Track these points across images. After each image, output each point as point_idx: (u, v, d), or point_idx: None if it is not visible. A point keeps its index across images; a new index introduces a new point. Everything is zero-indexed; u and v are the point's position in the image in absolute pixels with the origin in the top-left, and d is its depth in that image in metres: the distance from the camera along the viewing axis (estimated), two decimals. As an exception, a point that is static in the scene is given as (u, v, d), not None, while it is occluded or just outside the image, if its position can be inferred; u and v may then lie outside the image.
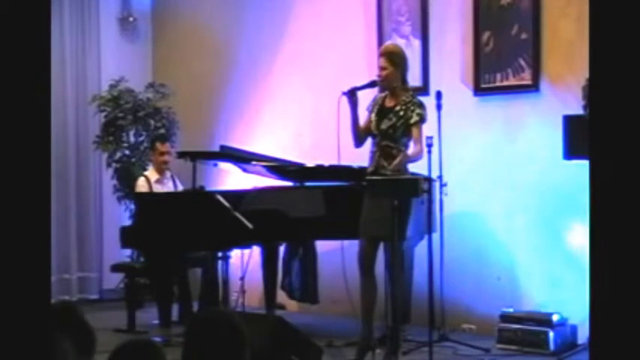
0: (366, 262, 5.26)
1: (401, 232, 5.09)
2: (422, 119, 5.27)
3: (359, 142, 5.43)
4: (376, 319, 5.49)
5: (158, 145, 6.80)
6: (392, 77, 5.30)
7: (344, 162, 5.55)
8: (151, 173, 6.79)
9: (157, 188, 6.67)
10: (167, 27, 8.67)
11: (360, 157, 5.50)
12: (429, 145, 5.62)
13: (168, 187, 6.77)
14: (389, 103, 5.32)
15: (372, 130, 5.31)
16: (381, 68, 5.32)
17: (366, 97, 5.45)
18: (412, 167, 5.73)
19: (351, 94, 5.33)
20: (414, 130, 5.24)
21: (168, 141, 6.95)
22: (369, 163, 5.32)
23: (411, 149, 5.23)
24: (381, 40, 6.87)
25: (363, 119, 5.40)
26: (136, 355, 2.52)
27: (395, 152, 5.21)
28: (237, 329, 2.54)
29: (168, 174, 6.83)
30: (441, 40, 6.58)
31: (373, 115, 5.34)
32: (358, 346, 5.31)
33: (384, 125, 5.26)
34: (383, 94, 5.38)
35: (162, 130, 7.81)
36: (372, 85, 5.40)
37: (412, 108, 5.25)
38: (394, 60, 5.32)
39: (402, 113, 5.24)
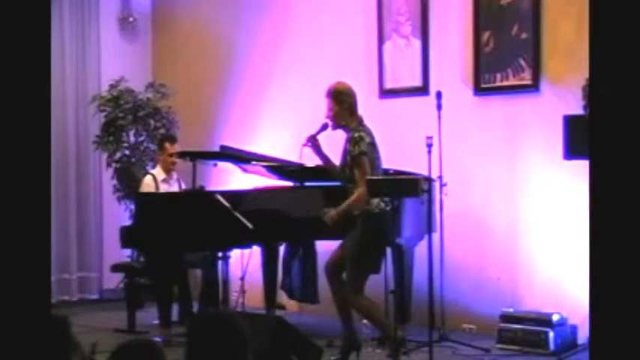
0: (329, 270, 5.39)
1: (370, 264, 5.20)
2: (357, 155, 5.16)
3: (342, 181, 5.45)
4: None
5: (167, 145, 6.78)
6: (339, 116, 5.29)
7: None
8: (158, 172, 6.78)
9: (164, 187, 6.67)
10: (167, 27, 8.67)
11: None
12: (429, 145, 5.62)
13: (174, 187, 6.76)
14: (347, 146, 5.29)
15: None
16: (328, 109, 5.32)
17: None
18: (412, 167, 5.75)
19: (312, 142, 5.35)
20: (355, 170, 5.17)
21: (177, 142, 6.91)
22: None
23: (354, 196, 5.15)
24: (381, 40, 6.88)
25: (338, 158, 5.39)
26: (136, 355, 2.52)
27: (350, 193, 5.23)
28: (238, 331, 2.55)
29: (175, 175, 6.81)
30: (441, 40, 6.58)
31: None
32: (342, 346, 5.37)
33: (341, 167, 5.30)
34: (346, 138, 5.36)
35: (162, 130, 7.81)
36: (324, 127, 5.38)
37: (350, 146, 5.21)
38: (338, 98, 5.29)
39: (348, 151, 5.24)
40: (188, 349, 2.55)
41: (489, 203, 6.31)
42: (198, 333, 2.55)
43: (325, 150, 5.39)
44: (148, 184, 6.66)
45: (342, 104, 5.29)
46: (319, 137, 5.37)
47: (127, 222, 7.24)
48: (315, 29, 7.36)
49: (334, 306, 5.43)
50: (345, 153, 5.27)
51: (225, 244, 5.97)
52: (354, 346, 5.34)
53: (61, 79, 7.98)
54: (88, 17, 8.28)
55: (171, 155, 6.72)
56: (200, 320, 2.68)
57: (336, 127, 5.35)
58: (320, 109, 5.43)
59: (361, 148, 5.16)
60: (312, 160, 5.49)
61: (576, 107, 5.43)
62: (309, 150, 5.38)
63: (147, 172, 7.02)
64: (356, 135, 5.20)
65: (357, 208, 5.15)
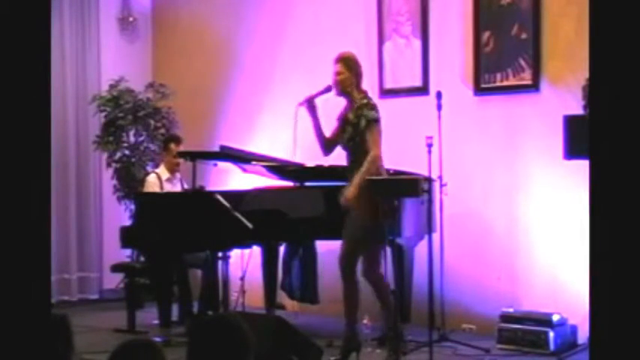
0: (345, 262, 5.29)
1: (380, 236, 5.13)
2: (371, 121, 5.19)
3: (326, 150, 5.45)
4: (376, 319, 5.50)
5: (173, 146, 6.75)
6: (346, 82, 5.29)
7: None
8: (162, 171, 6.77)
9: (167, 187, 6.67)
10: (167, 27, 8.67)
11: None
12: (429, 145, 5.62)
13: (177, 187, 6.76)
14: (349, 115, 5.30)
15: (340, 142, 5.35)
16: (337, 73, 5.32)
17: (333, 104, 5.44)
18: (412, 167, 5.74)
19: (309, 104, 5.34)
20: (367, 135, 5.18)
21: (182, 143, 6.88)
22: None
23: (365, 162, 5.15)
24: (381, 40, 6.88)
25: (330, 128, 5.39)
26: (136, 355, 2.52)
27: (358, 165, 5.20)
28: (242, 335, 2.54)
29: (178, 175, 6.81)
30: (441, 40, 6.58)
31: (340, 129, 5.34)
32: (342, 346, 5.34)
33: (345, 139, 5.28)
34: (347, 107, 5.35)
35: (162, 130, 7.81)
36: (327, 90, 5.38)
37: (360, 113, 5.21)
38: (349, 65, 5.31)
39: (355, 121, 5.22)
40: (190, 352, 2.54)
41: (489, 203, 6.31)
42: (201, 336, 2.54)
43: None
44: (152, 183, 6.67)
45: (351, 71, 5.30)
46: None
47: (127, 222, 7.24)
48: (315, 29, 7.36)
49: (334, 306, 5.43)
50: (345, 121, 5.24)
51: (225, 244, 5.97)
52: (354, 347, 5.33)
53: (61, 79, 7.98)
54: (88, 17, 8.27)
55: (176, 156, 6.70)
56: (202, 323, 2.68)
57: (340, 93, 5.33)
58: (320, 109, 5.42)
59: (378, 115, 5.20)
60: (305, 122, 5.42)
61: (576, 107, 5.43)
62: (303, 111, 5.36)
63: (147, 172, 7.00)
64: (372, 102, 5.26)
65: (372, 173, 5.12)
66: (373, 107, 5.24)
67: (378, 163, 5.19)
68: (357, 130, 5.21)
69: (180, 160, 6.68)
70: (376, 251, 5.21)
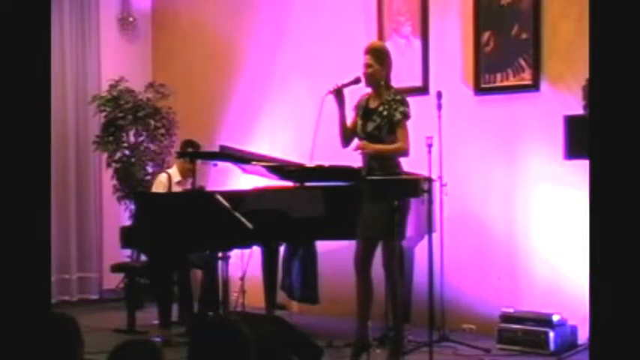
0: (361, 262, 5.22)
1: (399, 231, 5.08)
2: (405, 117, 5.20)
3: (345, 142, 5.40)
4: (376, 319, 5.50)
5: (190, 151, 6.73)
6: (377, 75, 5.24)
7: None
8: (175, 173, 6.75)
9: (176, 189, 6.65)
10: (167, 27, 8.68)
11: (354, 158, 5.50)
12: (429, 145, 5.62)
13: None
14: (372, 104, 5.26)
15: (359, 133, 5.28)
16: (367, 65, 5.25)
17: (353, 96, 5.43)
18: (412, 167, 5.74)
19: (337, 93, 5.29)
20: (398, 130, 5.18)
21: (200, 149, 6.82)
22: (362, 166, 5.30)
23: (396, 145, 5.18)
24: (381, 40, 6.87)
25: (349, 119, 5.37)
26: (136, 355, 2.52)
27: (379, 156, 5.18)
28: (241, 334, 2.54)
29: (190, 180, 6.78)
30: (441, 40, 6.59)
31: (359, 118, 5.30)
32: (353, 346, 5.31)
33: (370, 127, 5.22)
34: (367, 96, 5.33)
35: (162, 130, 7.81)
36: (356, 81, 5.32)
37: (395, 106, 5.18)
38: (380, 57, 5.26)
39: (385, 113, 5.19)
40: (190, 353, 2.54)
41: (489, 203, 6.31)
42: (201, 337, 2.54)
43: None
44: (161, 182, 6.66)
45: (382, 64, 5.25)
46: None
47: (127, 222, 7.24)
48: (315, 29, 7.37)
49: (334, 306, 5.42)
50: (371, 111, 5.21)
51: (225, 244, 5.96)
52: (365, 346, 5.28)
53: (61, 79, 7.98)
54: (88, 17, 8.27)
55: (190, 162, 6.63)
56: (203, 324, 2.67)
57: (369, 84, 5.28)
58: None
59: (409, 113, 5.19)
60: (331, 111, 5.36)
61: (576, 107, 5.43)
62: (330, 99, 5.29)
63: (159, 170, 6.97)
64: (406, 97, 5.23)
65: (391, 156, 5.16)
66: (408, 104, 5.23)
67: (400, 156, 5.19)
68: (385, 120, 5.17)
69: (193, 167, 6.58)
70: (396, 245, 5.16)
